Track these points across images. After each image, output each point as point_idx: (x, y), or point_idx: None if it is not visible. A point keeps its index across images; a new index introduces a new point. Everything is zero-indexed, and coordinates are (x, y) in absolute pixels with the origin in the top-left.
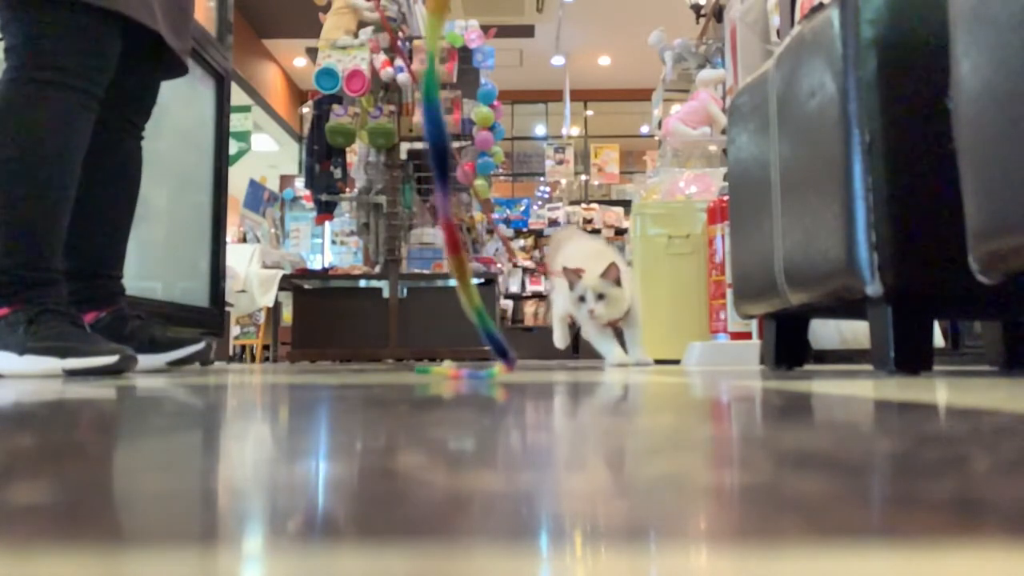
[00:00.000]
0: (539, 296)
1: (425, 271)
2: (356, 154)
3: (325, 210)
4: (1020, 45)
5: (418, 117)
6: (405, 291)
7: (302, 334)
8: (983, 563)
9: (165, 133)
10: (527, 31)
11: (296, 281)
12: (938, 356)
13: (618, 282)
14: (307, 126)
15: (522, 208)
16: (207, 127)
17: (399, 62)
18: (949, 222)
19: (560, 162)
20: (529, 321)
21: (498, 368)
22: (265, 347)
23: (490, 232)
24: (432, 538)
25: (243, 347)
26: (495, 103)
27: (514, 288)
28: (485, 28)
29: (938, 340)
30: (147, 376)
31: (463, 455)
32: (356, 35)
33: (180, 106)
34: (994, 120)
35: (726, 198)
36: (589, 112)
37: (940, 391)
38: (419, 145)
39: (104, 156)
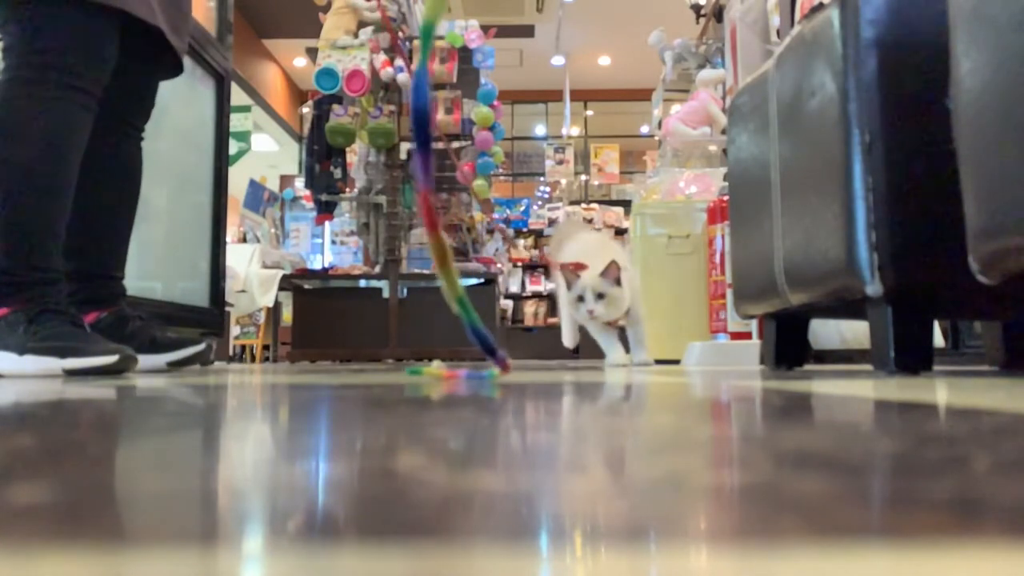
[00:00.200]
0: (539, 296)
1: (425, 271)
2: (356, 154)
3: (325, 210)
4: (1020, 45)
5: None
6: (405, 291)
7: (302, 334)
8: (983, 563)
9: (165, 133)
10: (527, 31)
11: (296, 281)
12: (938, 356)
13: (618, 281)
14: (307, 126)
15: (522, 208)
16: (207, 127)
17: (399, 62)
18: (949, 222)
19: (560, 162)
20: (529, 321)
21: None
22: (265, 347)
23: (490, 232)
24: (432, 538)
25: (243, 347)
26: (495, 103)
27: (514, 288)
28: (485, 28)
29: (938, 340)
30: (147, 376)
31: (463, 455)
32: (356, 35)
33: (180, 106)
34: (994, 120)
35: (726, 198)
36: (589, 112)
37: (940, 391)
38: None
39: (104, 158)
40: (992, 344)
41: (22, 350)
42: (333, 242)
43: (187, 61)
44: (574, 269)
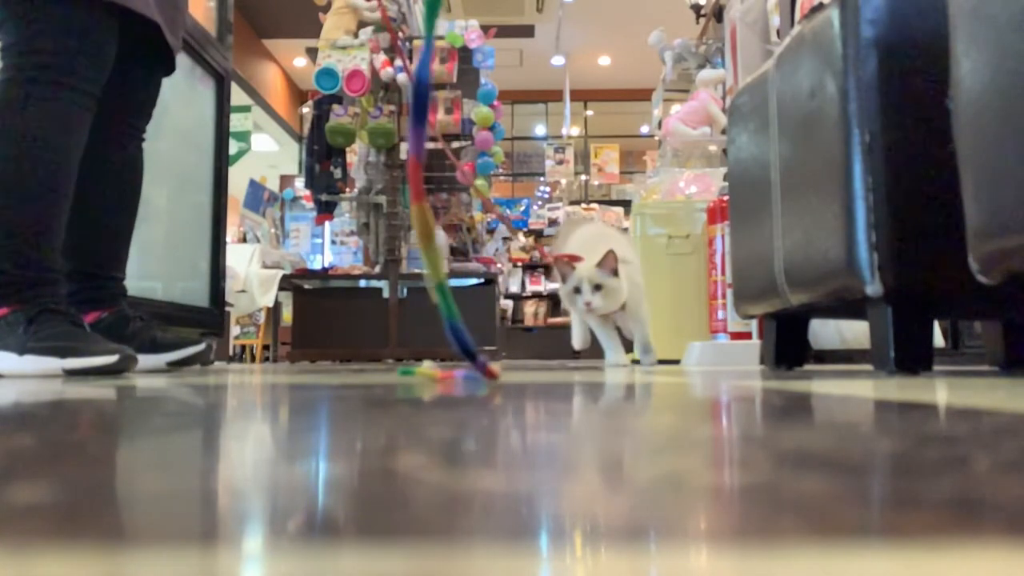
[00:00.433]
0: (539, 296)
1: (425, 271)
2: (356, 154)
3: (325, 210)
4: (1020, 45)
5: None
6: (405, 291)
7: (302, 334)
8: (983, 563)
9: (165, 133)
10: (527, 31)
11: (296, 281)
12: (938, 356)
13: (615, 272)
14: (307, 126)
15: (522, 208)
16: (207, 127)
17: (399, 62)
18: (949, 222)
19: (560, 162)
20: (529, 321)
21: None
22: (265, 347)
23: (490, 232)
24: (432, 538)
25: (243, 347)
26: (495, 103)
27: (514, 288)
28: (485, 28)
29: (938, 340)
30: (147, 376)
31: (463, 455)
32: (356, 35)
33: (180, 106)
34: (994, 120)
35: (726, 198)
36: (589, 112)
37: (940, 391)
38: None
39: (105, 158)
40: (992, 344)
41: (22, 350)
42: (333, 242)
43: (187, 61)
44: (568, 260)
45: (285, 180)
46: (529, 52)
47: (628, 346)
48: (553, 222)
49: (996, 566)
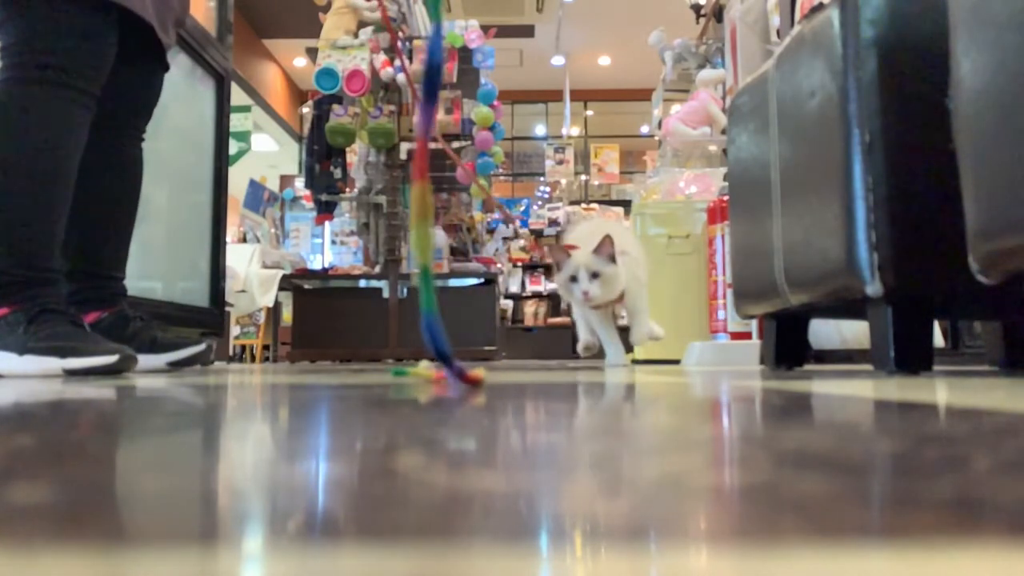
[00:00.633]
0: (539, 296)
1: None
2: (356, 154)
3: (325, 210)
4: (1020, 45)
5: (417, 117)
6: (405, 291)
7: (302, 334)
8: (983, 563)
9: (165, 133)
10: (527, 31)
11: (296, 281)
12: (938, 356)
13: (612, 258)
14: (307, 126)
15: (522, 208)
16: (207, 127)
17: (399, 62)
18: (949, 222)
19: (560, 162)
20: (529, 321)
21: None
22: (265, 347)
23: (490, 232)
24: (432, 538)
25: (243, 347)
26: (495, 103)
27: (514, 288)
28: (485, 28)
29: (938, 340)
30: (147, 376)
31: (463, 455)
32: (356, 35)
33: (180, 106)
34: (994, 120)
35: (726, 198)
36: (589, 112)
37: (940, 391)
38: None
39: (105, 158)
40: (992, 344)
41: (22, 350)
42: (333, 242)
43: (187, 61)
44: (564, 248)
45: (285, 180)
46: (529, 52)
47: (628, 347)
48: (553, 222)
49: (996, 566)
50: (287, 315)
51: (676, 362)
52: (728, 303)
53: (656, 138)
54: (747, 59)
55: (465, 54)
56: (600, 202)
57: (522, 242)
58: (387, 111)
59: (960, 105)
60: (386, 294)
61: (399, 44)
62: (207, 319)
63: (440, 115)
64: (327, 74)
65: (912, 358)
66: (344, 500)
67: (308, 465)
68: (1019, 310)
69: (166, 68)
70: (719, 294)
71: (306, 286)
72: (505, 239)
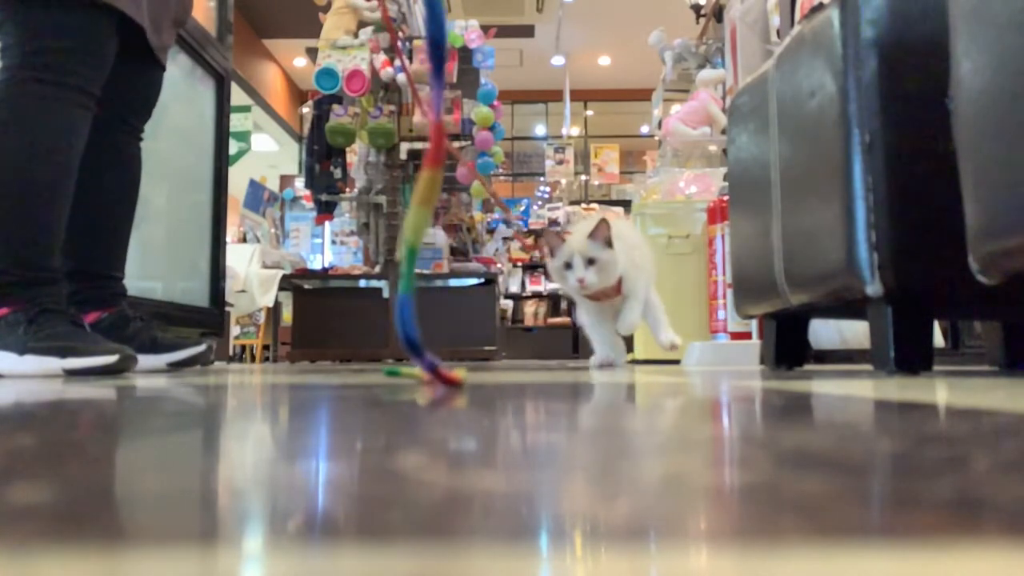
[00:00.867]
0: (539, 296)
1: (425, 271)
2: (356, 154)
3: (325, 210)
4: (1020, 45)
5: (418, 117)
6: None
7: (302, 334)
8: (983, 563)
9: (165, 133)
10: (527, 31)
11: (296, 281)
12: (938, 356)
13: (609, 242)
14: (307, 126)
15: (522, 208)
16: (207, 127)
17: (399, 62)
18: (949, 222)
19: (560, 162)
20: (529, 321)
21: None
22: (265, 347)
23: (490, 232)
24: (432, 538)
25: (243, 347)
26: (495, 103)
27: (514, 288)
28: (485, 28)
29: (938, 340)
30: (147, 376)
31: (463, 455)
32: (356, 35)
33: (180, 106)
34: (994, 120)
35: (726, 198)
36: (589, 112)
37: (940, 391)
38: (419, 145)
39: (103, 157)
40: (992, 344)
41: (22, 350)
42: (333, 242)
43: (187, 61)
44: (557, 233)
45: (285, 180)
46: (529, 52)
47: (631, 346)
48: (553, 222)
49: (996, 566)
50: (287, 315)
51: (676, 362)
52: (728, 303)
53: (656, 138)
54: (747, 59)
55: (465, 54)
56: (600, 202)
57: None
58: (387, 111)
59: (960, 105)
60: (386, 294)
61: (399, 44)
62: (207, 319)
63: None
64: (327, 74)
65: (912, 358)
66: (344, 500)
67: (308, 465)
68: (1019, 310)
69: (162, 68)
70: (719, 294)
71: (306, 286)
72: (505, 239)
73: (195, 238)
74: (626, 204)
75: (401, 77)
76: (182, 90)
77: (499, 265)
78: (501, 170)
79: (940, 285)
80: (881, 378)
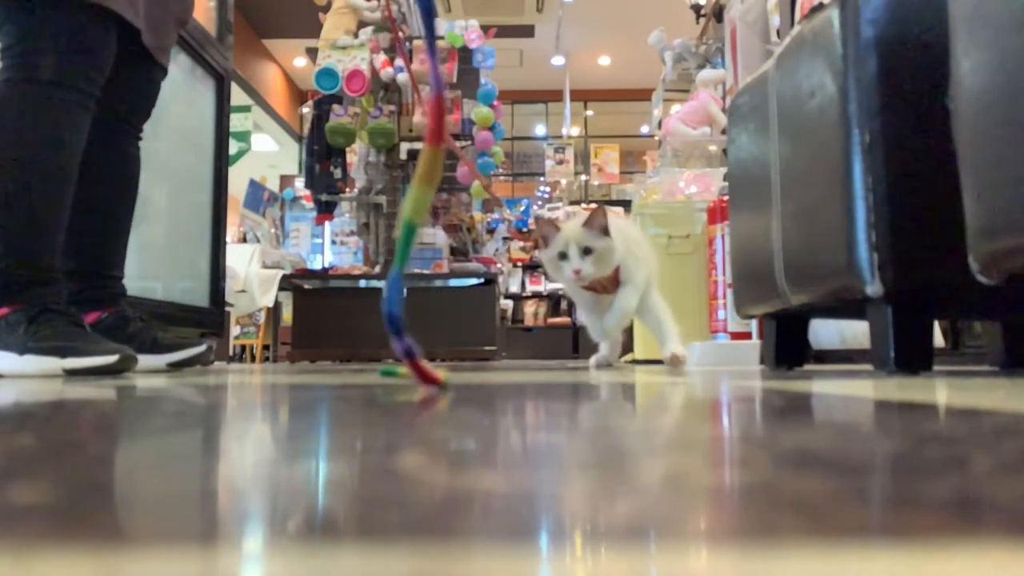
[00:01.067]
0: (539, 296)
1: (425, 271)
2: (356, 154)
3: (325, 210)
4: (1020, 45)
5: (418, 117)
6: (405, 291)
7: (302, 334)
8: (983, 563)
9: (165, 133)
10: (527, 31)
11: (296, 281)
12: (938, 356)
13: (605, 231)
14: (307, 126)
15: (522, 208)
16: (207, 127)
17: (399, 62)
18: (949, 222)
19: (560, 162)
20: (529, 321)
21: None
22: (265, 347)
23: (490, 232)
24: (432, 538)
25: (243, 347)
26: (495, 103)
27: (514, 288)
28: (485, 28)
29: (938, 340)
30: (147, 376)
31: (463, 455)
32: (356, 35)
33: (180, 106)
34: (994, 120)
35: (726, 198)
36: (589, 112)
37: (940, 391)
38: (419, 145)
39: (102, 157)
40: (992, 344)
41: (22, 350)
42: (333, 242)
43: (187, 61)
44: (551, 222)
45: (285, 180)
46: (529, 52)
47: (631, 347)
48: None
49: (996, 566)
50: (287, 315)
51: None
52: (728, 303)
53: (656, 138)
54: (747, 59)
55: (465, 54)
56: (600, 202)
57: (522, 244)
58: (387, 111)
59: (960, 105)
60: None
61: (399, 44)
62: (207, 319)
63: None
64: (327, 74)
65: (912, 358)
66: (344, 500)
67: (308, 465)
68: (1019, 310)
69: (162, 68)
70: (719, 294)
71: (306, 286)
72: (505, 239)
73: (195, 238)
74: (626, 204)
75: (402, 77)
76: (182, 90)
77: (499, 265)
78: (501, 170)
79: (940, 285)
80: (881, 378)
